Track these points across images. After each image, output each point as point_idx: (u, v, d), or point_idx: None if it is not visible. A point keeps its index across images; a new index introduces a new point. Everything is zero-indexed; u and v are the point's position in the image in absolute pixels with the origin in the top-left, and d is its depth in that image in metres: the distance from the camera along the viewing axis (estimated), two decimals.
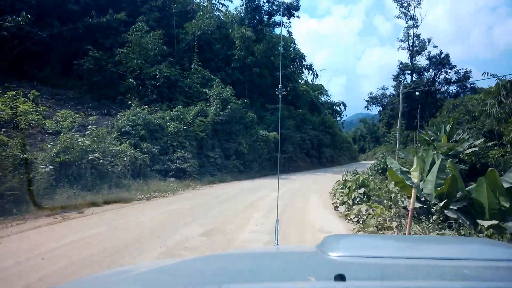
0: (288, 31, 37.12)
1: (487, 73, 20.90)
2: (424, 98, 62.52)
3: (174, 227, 7.94)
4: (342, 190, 13.63)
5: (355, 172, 18.17)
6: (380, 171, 19.26)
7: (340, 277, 1.04)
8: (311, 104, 37.61)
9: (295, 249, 2.20)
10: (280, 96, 3.96)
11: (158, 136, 17.26)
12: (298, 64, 36.16)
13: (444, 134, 24.15)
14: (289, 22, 36.24)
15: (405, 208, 8.64)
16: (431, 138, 25.06)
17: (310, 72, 35.66)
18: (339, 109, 49.73)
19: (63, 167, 10.42)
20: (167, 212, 9.86)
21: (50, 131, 13.11)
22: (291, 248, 2.62)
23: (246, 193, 14.39)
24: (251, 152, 22.75)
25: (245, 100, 24.80)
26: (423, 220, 7.68)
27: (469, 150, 18.63)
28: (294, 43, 35.82)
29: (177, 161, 16.58)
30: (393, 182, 9.86)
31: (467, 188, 8.49)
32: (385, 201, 9.61)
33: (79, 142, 11.18)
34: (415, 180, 8.92)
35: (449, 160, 9.84)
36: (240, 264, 1.60)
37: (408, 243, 1.90)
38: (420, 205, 8.29)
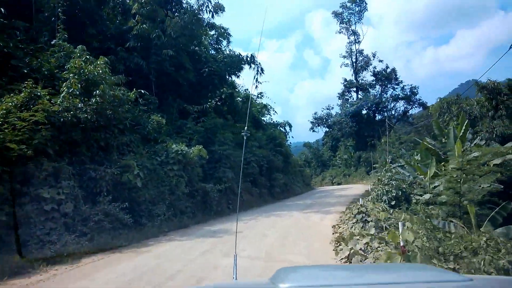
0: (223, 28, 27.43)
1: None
2: (372, 116, 57.73)
3: None
4: None
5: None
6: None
7: None
8: (254, 121, 28.11)
9: (251, 283, 2.22)
10: (245, 138, 3.50)
11: None
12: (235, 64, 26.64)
13: (458, 141, 15.87)
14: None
15: None
16: (438, 148, 16.68)
17: (254, 68, 25.22)
18: (284, 130, 40.58)
19: None
20: None
21: None
22: (248, 282, 2.62)
23: None
24: (153, 184, 12.00)
25: (144, 93, 14.23)
26: None
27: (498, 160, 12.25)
28: (229, 35, 26.45)
29: None
30: None
31: None
32: None
33: None
34: None
35: None
36: None
37: (354, 271, 2.04)
38: None
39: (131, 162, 11.36)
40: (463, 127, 15.72)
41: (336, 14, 57.94)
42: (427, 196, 13.09)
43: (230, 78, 27.63)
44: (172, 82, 18.90)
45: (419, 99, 53.32)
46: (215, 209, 15.21)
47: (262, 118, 33.53)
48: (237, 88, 27.59)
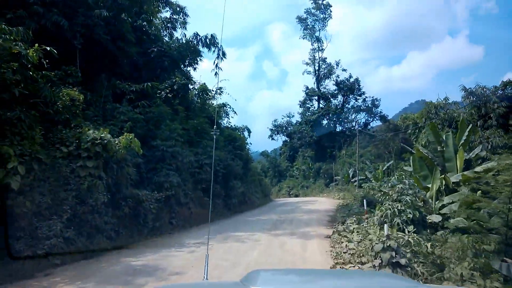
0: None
1: None
2: (333, 126, 56.18)
3: None
4: None
5: None
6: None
7: None
8: (211, 121, 23.91)
9: (222, 284, 2.34)
10: (214, 137, 3.58)
11: None
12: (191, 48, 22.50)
13: (460, 150, 13.49)
14: None
15: None
16: (434, 156, 14.03)
17: (215, 51, 20.83)
18: (242, 135, 36.76)
19: None
20: None
21: None
22: (218, 282, 2.80)
23: None
24: (46, 187, 7.56)
25: (52, 52, 9.67)
26: None
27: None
28: (186, 15, 22.29)
29: None
30: None
31: None
32: None
33: None
34: None
35: None
36: None
37: (319, 276, 2.14)
38: None
39: (7, 149, 6.86)
40: (465, 134, 13.10)
41: (300, 20, 56.16)
42: (435, 218, 10.01)
43: (185, 68, 23.48)
44: (105, 54, 14.33)
45: (380, 112, 52.62)
46: (150, 226, 10.93)
47: (220, 122, 29.54)
48: (193, 80, 23.33)
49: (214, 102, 25.63)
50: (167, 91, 19.10)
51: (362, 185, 31.34)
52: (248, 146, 35.41)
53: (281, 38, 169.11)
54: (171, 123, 13.39)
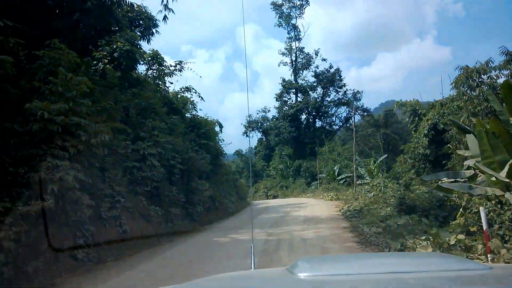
0: None
1: None
2: (312, 121, 51.41)
3: None
4: None
5: None
6: None
7: None
8: (170, 107, 17.71)
9: (268, 272, 2.27)
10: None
11: None
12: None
13: None
14: None
15: None
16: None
17: None
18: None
19: None
20: None
21: None
22: (265, 271, 2.58)
23: None
24: None
25: None
26: None
27: None
28: None
29: None
30: None
31: None
32: None
33: None
34: None
35: None
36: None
37: (374, 259, 2.04)
38: None
39: None
40: None
41: (275, 6, 51.13)
42: None
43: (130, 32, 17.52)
44: None
45: (362, 105, 48.39)
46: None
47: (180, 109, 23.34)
48: (142, 49, 17.32)
49: (172, 81, 19.67)
50: (103, 54, 13.22)
51: (357, 183, 26.51)
52: (220, 142, 29.70)
53: (252, 39, 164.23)
54: (71, 73, 7.39)
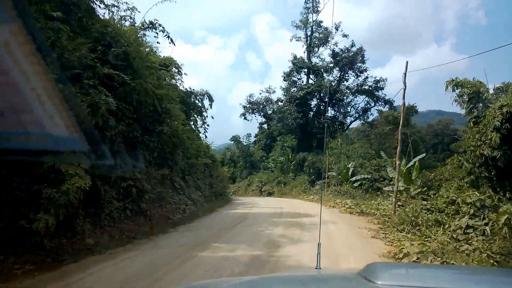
0: None
1: None
2: (323, 108, 44.02)
3: None
4: None
5: None
6: None
7: None
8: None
9: (337, 274, 2.13)
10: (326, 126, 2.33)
11: None
12: None
13: None
14: None
15: None
16: None
17: None
18: (200, 105, 22.49)
19: None
20: None
21: None
22: (333, 272, 2.55)
23: None
24: None
25: None
26: None
27: None
28: None
29: None
30: None
31: None
32: None
33: None
34: None
35: None
36: None
37: (459, 274, 1.83)
38: None
39: None
40: None
41: None
42: None
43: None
44: None
45: (384, 96, 40.97)
46: None
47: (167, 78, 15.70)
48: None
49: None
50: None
51: (386, 190, 19.48)
52: (203, 123, 22.44)
53: (267, 29, 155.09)
54: None
